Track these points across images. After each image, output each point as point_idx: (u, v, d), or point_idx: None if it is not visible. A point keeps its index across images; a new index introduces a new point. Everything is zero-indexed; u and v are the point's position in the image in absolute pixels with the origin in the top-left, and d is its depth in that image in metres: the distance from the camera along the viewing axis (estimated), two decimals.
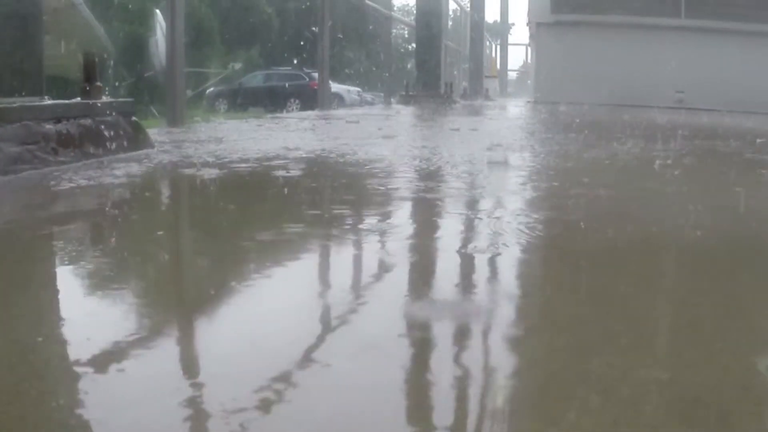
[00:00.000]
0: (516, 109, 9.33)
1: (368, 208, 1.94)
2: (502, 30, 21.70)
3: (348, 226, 1.63)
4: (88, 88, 2.54)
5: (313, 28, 22.50)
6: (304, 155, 2.98)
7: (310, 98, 15.80)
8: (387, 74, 11.56)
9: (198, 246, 1.53)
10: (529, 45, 15.33)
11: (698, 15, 9.15)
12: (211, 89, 21.99)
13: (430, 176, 2.46)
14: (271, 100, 20.05)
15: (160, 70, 14.43)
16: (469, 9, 15.54)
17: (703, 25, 9.09)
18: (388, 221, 1.71)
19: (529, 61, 20.08)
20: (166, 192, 2.34)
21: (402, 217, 1.83)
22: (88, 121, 2.45)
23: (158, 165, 2.54)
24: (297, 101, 19.34)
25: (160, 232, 1.66)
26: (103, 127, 2.50)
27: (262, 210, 1.94)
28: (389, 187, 2.22)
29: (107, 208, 1.87)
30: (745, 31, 8.92)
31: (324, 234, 1.55)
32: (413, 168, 2.68)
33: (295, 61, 22.90)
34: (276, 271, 1.29)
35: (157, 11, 15.44)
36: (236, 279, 1.23)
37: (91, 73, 2.57)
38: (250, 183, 2.36)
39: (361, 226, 1.65)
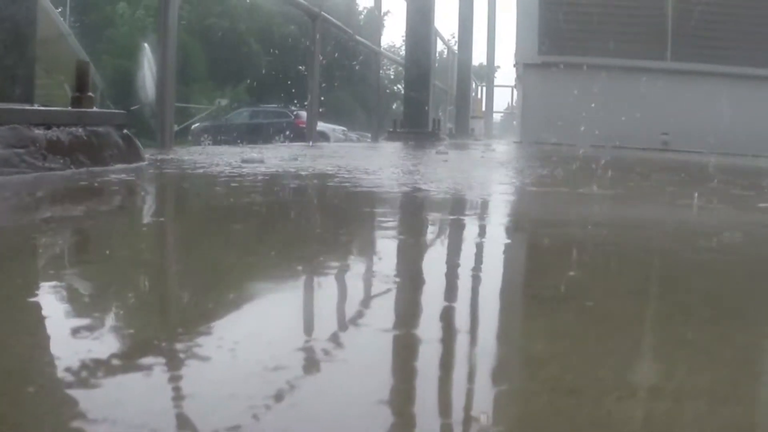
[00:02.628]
0: (506, 147, 9.35)
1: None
2: (488, 72, 21.87)
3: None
4: (79, 97, 2.50)
5: (300, 67, 22.51)
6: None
7: (296, 136, 15.80)
8: (374, 113, 11.59)
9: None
10: (514, 87, 15.42)
11: (684, 58, 9.23)
12: (197, 125, 22.01)
13: None
14: (256, 136, 20.09)
15: (146, 104, 14.44)
16: (456, 49, 15.66)
17: (688, 68, 9.16)
18: None
19: (514, 103, 20.21)
20: (163, 202, 2.29)
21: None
22: (78, 130, 2.40)
23: (150, 177, 2.50)
24: (282, 139, 19.37)
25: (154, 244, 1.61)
26: (94, 136, 2.46)
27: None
28: None
29: (95, 213, 1.82)
30: (730, 74, 9.00)
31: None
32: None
33: (282, 99, 22.97)
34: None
35: (146, 45, 15.49)
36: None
37: (83, 82, 2.53)
38: (246, 192, 2.32)
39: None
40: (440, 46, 16.29)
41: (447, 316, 0.94)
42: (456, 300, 1.06)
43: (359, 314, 0.95)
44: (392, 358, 0.78)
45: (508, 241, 1.70)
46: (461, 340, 0.85)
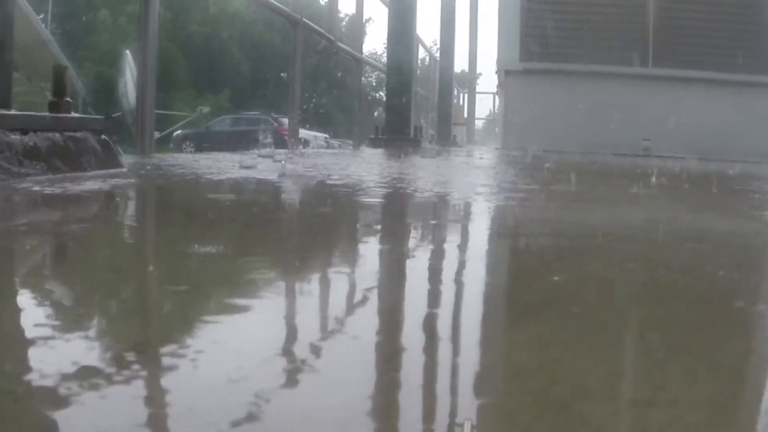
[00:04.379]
0: (490, 154, 9.37)
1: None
2: (469, 79, 21.88)
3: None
4: (57, 102, 2.48)
5: (282, 74, 22.52)
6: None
7: (278, 143, 15.76)
8: (356, 120, 11.58)
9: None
10: (496, 93, 15.43)
11: (665, 64, 9.27)
12: (178, 132, 21.92)
13: None
14: (237, 144, 20.00)
15: (128, 111, 14.33)
16: (438, 56, 15.68)
17: (670, 74, 9.21)
18: None
19: (495, 109, 20.24)
20: (138, 211, 2.27)
21: None
22: (55, 136, 2.38)
23: (127, 184, 2.48)
24: (264, 146, 19.29)
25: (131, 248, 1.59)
26: (71, 142, 2.43)
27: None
28: None
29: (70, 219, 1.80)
30: (711, 80, 9.06)
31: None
32: None
33: (264, 106, 22.92)
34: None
35: (127, 52, 15.38)
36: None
37: (60, 87, 2.50)
38: (222, 198, 2.30)
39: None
40: (422, 53, 16.30)
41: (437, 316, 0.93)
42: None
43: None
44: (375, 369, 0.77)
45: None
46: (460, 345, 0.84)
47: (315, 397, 0.64)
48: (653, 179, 3.72)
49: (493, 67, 11.34)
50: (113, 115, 15.36)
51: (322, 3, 22.17)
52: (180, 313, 0.93)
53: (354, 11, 11.12)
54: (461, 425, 0.61)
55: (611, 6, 9.52)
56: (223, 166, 3.64)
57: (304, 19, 7.56)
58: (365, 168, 4.36)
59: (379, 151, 8.06)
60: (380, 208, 2.30)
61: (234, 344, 0.79)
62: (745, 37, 9.22)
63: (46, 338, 0.76)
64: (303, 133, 15.92)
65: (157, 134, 5.63)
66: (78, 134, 2.49)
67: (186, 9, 24.31)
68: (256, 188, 2.68)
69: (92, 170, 2.51)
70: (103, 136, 2.65)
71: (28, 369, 0.67)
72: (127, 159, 3.49)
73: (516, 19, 9.95)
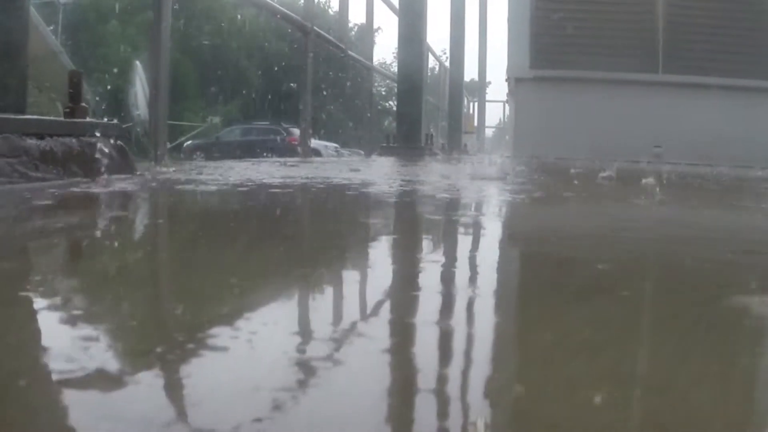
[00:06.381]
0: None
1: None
2: (479, 87, 21.90)
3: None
4: (72, 108, 2.47)
5: (292, 84, 22.62)
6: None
7: (288, 153, 15.78)
8: (367, 128, 11.60)
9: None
10: (506, 102, 15.43)
11: (675, 71, 9.24)
12: (189, 143, 21.97)
13: None
14: (248, 154, 20.05)
15: (138, 122, 14.39)
16: (448, 65, 15.69)
17: (680, 81, 9.18)
18: None
19: (505, 118, 20.25)
20: (157, 213, 2.26)
21: None
22: (71, 140, 2.37)
23: (145, 188, 2.48)
24: (274, 156, 19.32)
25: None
26: (87, 147, 2.43)
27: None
28: None
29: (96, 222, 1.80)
30: (721, 86, 9.01)
31: None
32: None
33: (274, 116, 22.96)
34: None
35: (137, 63, 15.46)
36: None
37: (76, 92, 2.50)
38: (230, 200, 2.30)
39: None
40: (432, 62, 16.32)
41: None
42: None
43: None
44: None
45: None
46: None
47: None
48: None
49: (503, 76, 11.33)
50: (123, 126, 15.40)
51: (332, 13, 22.26)
52: None
53: (363, 21, 11.14)
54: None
55: (621, 13, 9.50)
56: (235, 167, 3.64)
57: (315, 28, 7.57)
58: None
59: (393, 159, 8.05)
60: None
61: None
62: (756, 43, 9.19)
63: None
64: (314, 142, 15.94)
65: (167, 145, 5.65)
66: (93, 139, 2.48)
67: (196, 19, 24.39)
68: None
69: (108, 175, 2.50)
70: (118, 142, 2.64)
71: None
72: (140, 164, 3.50)
73: (526, 27, 9.94)
